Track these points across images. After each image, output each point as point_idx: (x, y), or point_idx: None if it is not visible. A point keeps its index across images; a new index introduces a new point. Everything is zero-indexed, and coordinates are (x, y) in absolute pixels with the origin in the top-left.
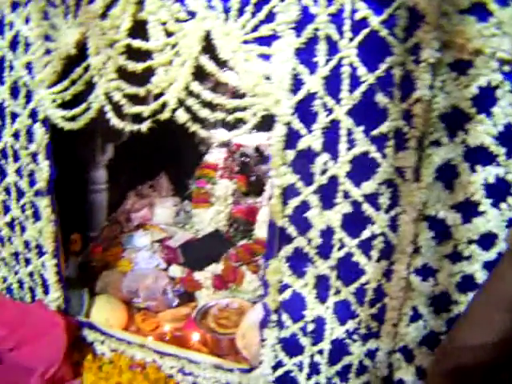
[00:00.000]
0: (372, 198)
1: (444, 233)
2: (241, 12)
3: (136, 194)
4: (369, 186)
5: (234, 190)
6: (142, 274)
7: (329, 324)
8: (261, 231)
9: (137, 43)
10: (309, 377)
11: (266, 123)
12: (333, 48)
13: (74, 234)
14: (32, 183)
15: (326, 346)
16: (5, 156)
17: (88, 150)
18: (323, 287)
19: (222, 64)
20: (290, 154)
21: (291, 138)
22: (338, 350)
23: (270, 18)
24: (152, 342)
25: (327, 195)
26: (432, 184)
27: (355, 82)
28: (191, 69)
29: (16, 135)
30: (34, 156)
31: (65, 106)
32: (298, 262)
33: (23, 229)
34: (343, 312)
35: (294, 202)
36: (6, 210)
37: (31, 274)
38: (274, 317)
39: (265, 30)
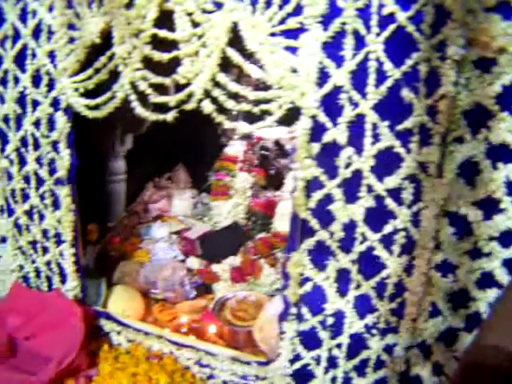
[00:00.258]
0: (395, 193)
1: (465, 229)
2: (268, 4)
3: (154, 186)
4: (392, 181)
5: (253, 183)
6: (160, 264)
7: (348, 318)
8: (279, 224)
9: (163, 33)
10: (326, 371)
11: (288, 116)
12: (360, 42)
13: (90, 224)
14: (52, 172)
15: (344, 339)
16: (25, 144)
17: (107, 140)
18: (344, 281)
19: (247, 56)
20: (315, 147)
21: (316, 131)
22: (357, 344)
23: (298, 10)
24: (169, 333)
25: (351, 189)
26: (454, 180)
27: (381, 76)
28: (218, 60)
29: (37, 123)
30: (54, 144)
31: (86, 94)
32: (320, 255)
33: (42, 217)
34: (363, 306)
35: (318, 195)
36: (25, 198)
37: (48, 263)
38: (293, 310)
39: (292, 23)
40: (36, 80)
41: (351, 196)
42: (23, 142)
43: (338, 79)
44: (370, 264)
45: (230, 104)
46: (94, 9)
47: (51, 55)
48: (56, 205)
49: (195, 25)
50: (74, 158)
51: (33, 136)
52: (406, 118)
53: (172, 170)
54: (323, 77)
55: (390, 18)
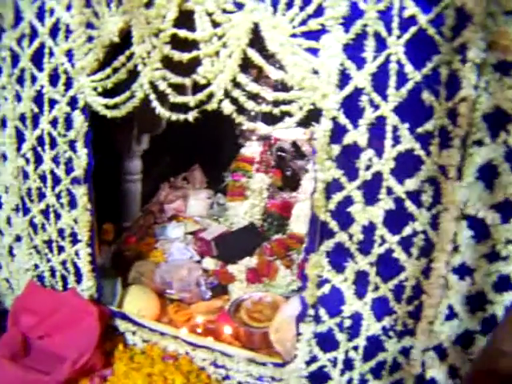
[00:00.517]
0: (414, 196)
1: (483, 232)
2: (289, 5)
3: (170, 186)
4: (412, 183)
5: (270, 185)
6: (176, 265)
7: (365, 320)
8: (295, 226)
9: (183, 33)
10: (342, 372)
11: (305, 118)
12: (381, 44)
13: (106, 224)
14: (69, 171)
15: (361, 342)
16: (41, 143)
17: (124, 140)
18: (362, 283)
19: (267, 57)
20: (335, 149)
21: (337, 133)
22: (373, 346)
23: (319, 12)
24: (185, 333)
25: (370, 191)
26: (473, 183)
27: (402, 79)
28: (238, 60)
29: (54, 122)
30: (71, 144)
31: (104, 94)
32: (339, 257)
33: (58, 216)
34: (380, 308)
35: (337, 197)
36: (41, 197)
37: (64, 263)
38: (311, 311)
39: (313, 24)
40: (53, 79)
41: (371, 198)
42: (40, 140)
43: (359, 81)
44: (388, 266)
45: (250, 105)
46: (113, 8)
47: (69, 54)
48: (72, 204)
49: (215, 25)
50: (91, 158)
51: (49, 135)
52: (426, 120)
53: (188, 170)
54: (344, 78)
55: (411, 20)
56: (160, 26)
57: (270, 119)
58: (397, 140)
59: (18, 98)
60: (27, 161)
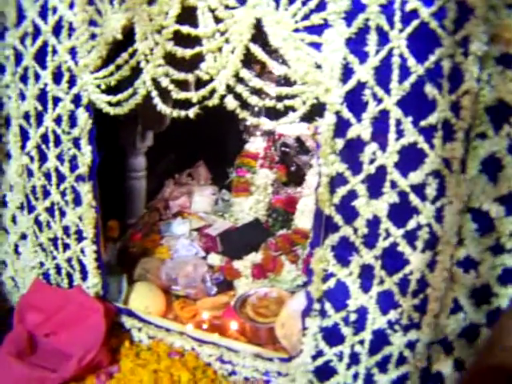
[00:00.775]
0: (419, 189)
1: (487, 225)
2: (291, 0)
3: (174, 182)
4: (416, 177)
5: (274, 180)
6: (181, 261)
7: (371, 314)
8: (300, 221)
9: (185, 29)
10: (348, 367)
11: (309, 113)
12: (383, 38)
13: (111, 221)
14: (73, 168)
15: (367, 336)
16: (45, 141)
17: (128, 137)
18: (367, 277)
19: (270, 52)
20: (339, 143)
21: (340, 127)
22: (379, 340)
23: (321, 6)
24: (191, 329)
25: (375, 185)
26: (477, 176)
27: (405, 72)
28: (241, 56)
29: (58, 120)
30: (76, 141)
31: (107, 91)
32: (344, 251)
33: (63, 214)
34: (386, 302)
35: (342, 191)
36: (46, 194)
37: (69, 260)
38: (316, 306)
39: (316, 19)
40: (57, 77)
41: (375, 192)
42: (44, 138)
43: (362, 75)
44: (393, 260)
45: (253, 100)
46: (116, 5)
47: (72, 52)
48: (77, 201)
49: (218, 21)
50: (95, 155)
51: (54, 133)
52: (429, 113)
53: (192, 166)
54: (347, 73)
55: (414, 14)
56: (162, 23)
57: (274, 114)
58: (400, 133)
59: (22, 96)
60: (32, 159)
